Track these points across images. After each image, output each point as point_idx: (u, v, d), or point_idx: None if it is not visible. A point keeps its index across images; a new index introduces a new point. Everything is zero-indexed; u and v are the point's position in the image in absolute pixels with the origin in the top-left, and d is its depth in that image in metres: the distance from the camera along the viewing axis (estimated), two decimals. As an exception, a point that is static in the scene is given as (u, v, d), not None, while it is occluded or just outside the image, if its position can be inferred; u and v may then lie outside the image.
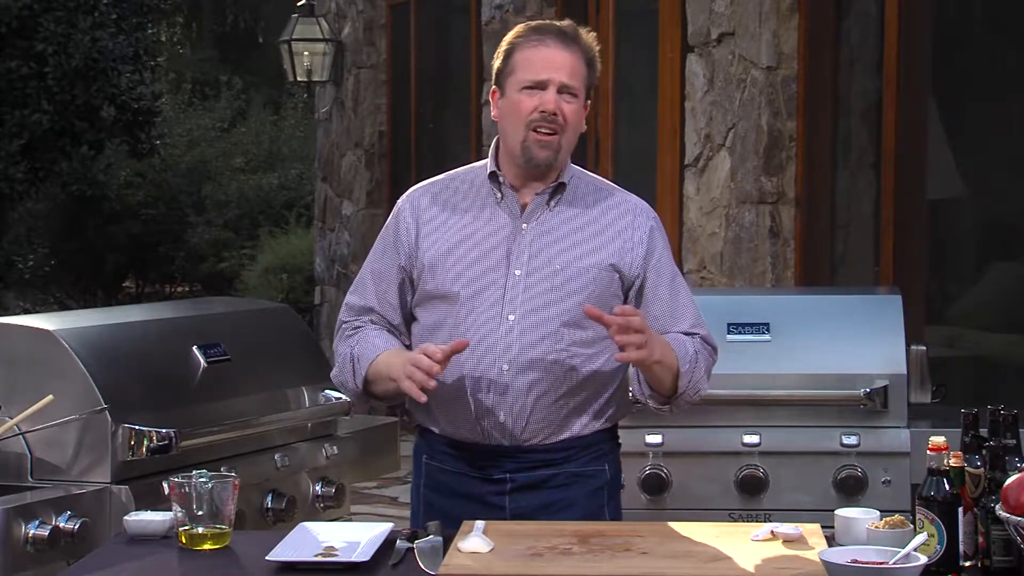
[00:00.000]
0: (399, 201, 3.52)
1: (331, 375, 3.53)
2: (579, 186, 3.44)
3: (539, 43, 3.34)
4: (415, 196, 3.49)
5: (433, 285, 3.38)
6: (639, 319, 3.17)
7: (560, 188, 3.40)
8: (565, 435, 3.38)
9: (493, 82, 3.43)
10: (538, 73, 3.32)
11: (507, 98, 3.37)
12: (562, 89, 3.32)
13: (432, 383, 3.21)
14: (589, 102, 3.43)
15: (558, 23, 3.41)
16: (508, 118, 3.37)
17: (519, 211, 3.39)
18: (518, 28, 3.41)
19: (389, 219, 3.52)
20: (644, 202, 3.49)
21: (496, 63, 3.41)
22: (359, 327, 3.47)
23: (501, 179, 3.40)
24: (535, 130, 3.32)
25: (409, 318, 3.47)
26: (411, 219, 3.44)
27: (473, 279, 3.35)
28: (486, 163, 3.44)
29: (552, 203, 3.39)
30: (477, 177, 3.44)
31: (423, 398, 3.22)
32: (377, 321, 3.48)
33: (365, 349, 3.41)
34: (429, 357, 3.20)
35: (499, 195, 3.40)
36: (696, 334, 3.40)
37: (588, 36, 3.42)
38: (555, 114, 3.31)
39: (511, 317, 3.32)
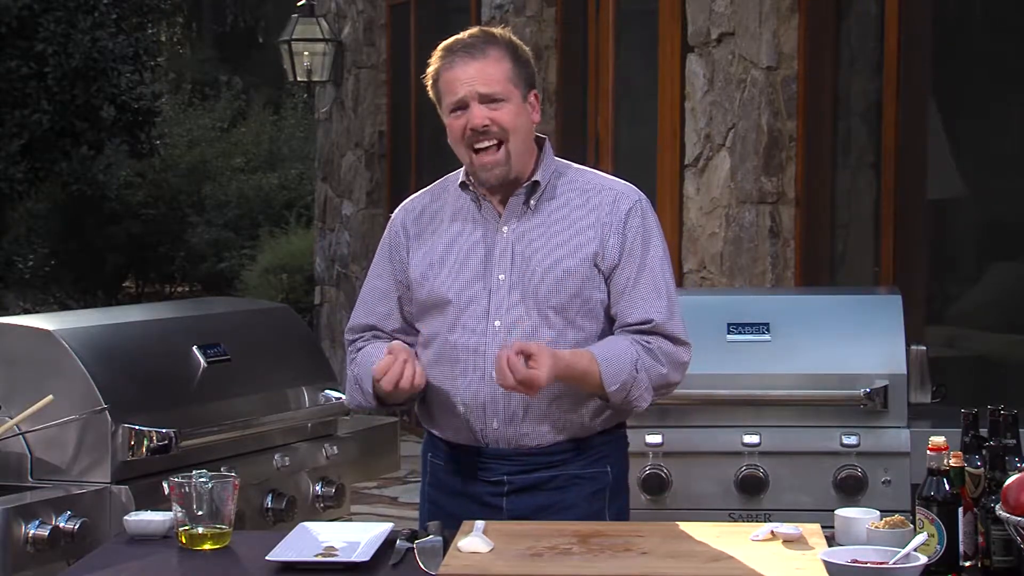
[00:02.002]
0: (392, 215, 3.56)
1: (345, 402, 3.56)
2: (558, 182, 3.41)
3: (450, 64, 3.34)
4: (406, 209, 3.53)
5: (423, 297, 3.41)
6: (521, 370, 3.13)
7: (535, 186, 3.38)
8: (562, 437, 3.37)
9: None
10: (455, 93, 3.33)
11: (446, 123, 3.40)
12: (483, 99, 3.31)
13: (407, 381, 3.24)
14: (535, 92, 3.40)
15: (467, 35, 3.39)
16: (452, 142, 3.40)
17: (497, 215, 3.39)
18: (435, 53, 3.40)
19: (384, 236, 3.56)
20: (630, 186, 3.44)
21: (429, 92, 3.43)
22: (360, 347, 3.50)
23: (472, 188, 3.41)
24: (475, 150, 3.32)
25: (412, 329, 3.49)
26: (402, 234, 3.48)
27: (459, 288, 3.36)
28: (462, 171, 3.45)
29: (531, 202, 3.38)
30: (457, 186, 3.45)
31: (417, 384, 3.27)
32: (379, 336, 3.50)
33: (364, 367, 3.43)
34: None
35: (478, 203, 3.41)
36: (651, 321, 3.32)
37: (503, 33, 3.40)
38: (486, 127, 3.30)
39: (497, 323, 3.33)
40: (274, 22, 19.64)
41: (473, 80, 3.31)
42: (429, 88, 3.42)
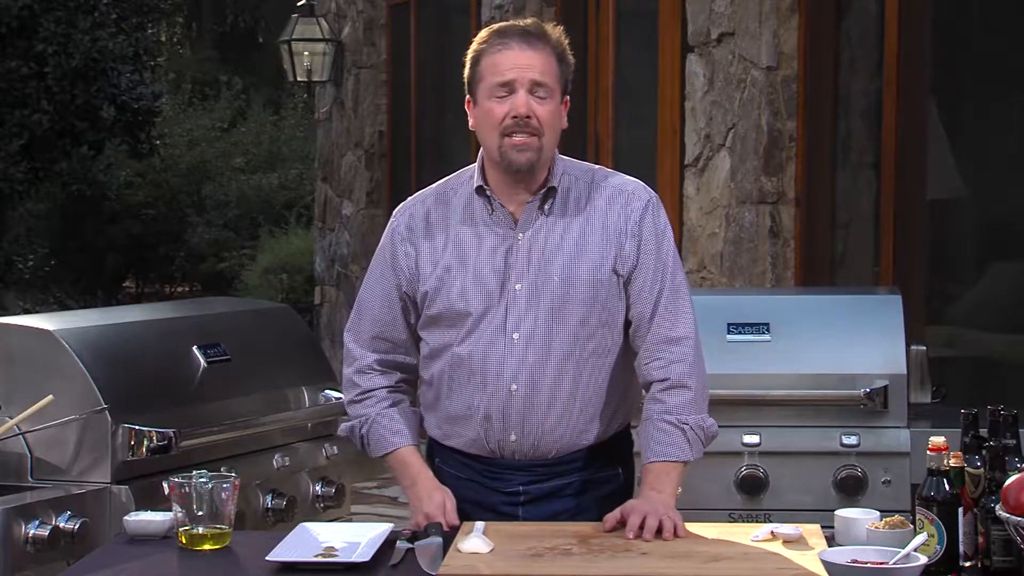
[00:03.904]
0: (393, 220, 3.45)
1: (339, 430, 3.54)
2: (571, 185, 3.35)
3: (503, 46, 3.27)
4: (409, 215, 3.41)
5: (435, 310, 3.33)
6: (638, 522, 3.12)
7: (551, 192, 3.33)
8: (580, 445, 3.34)
9: (466, 91, 3.36)
10: (504, 75, 3.24)
11: (480, 106, 3.30)
12: (533, 89, 3.24)
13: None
14: (568, 98, 3.35)
15: (522, 23, 3.34)
16: (483, 127, 3.30)
17: (512, 223, 3.32)
18: (482, 34, 3.34)
19: (384, 239, 3.44)
20: (639, 184, 3.40)
21: (465, 72, 3.34)
22: (370, 395, 3.43)
23: (488, 192, 3.33)
24: (507, 136, 3.25)
25: (415, 337, 3.43)
26: (408, 242, 3.37)
27: (475, 300, 3.29)
28: (474, 173, 3.37)
29: (546, 208, 3.32)
30: (467, 188, 3.37)
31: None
32: (384, 351, 3.42)
33: (376, 441, 3.41)
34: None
35: (490, 208, 3.34)
36: (683, 340, 3.29)
37: (555, 31, 3.34)
38: (528, 117, 3.23)
39: (515, 335, 3.27)
40: (274, 22, 19.62)
41: (529, 67, 3.24)
42: (466, 68, 3.33)
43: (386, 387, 3.44)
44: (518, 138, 3.25)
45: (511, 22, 3.37)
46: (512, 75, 3.24)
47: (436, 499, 3.31)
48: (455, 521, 3.25)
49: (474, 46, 3.33)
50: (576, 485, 3.36)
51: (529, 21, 3.37)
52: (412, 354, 3.44)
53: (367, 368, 3.44)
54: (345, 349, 3.50)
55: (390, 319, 3.41)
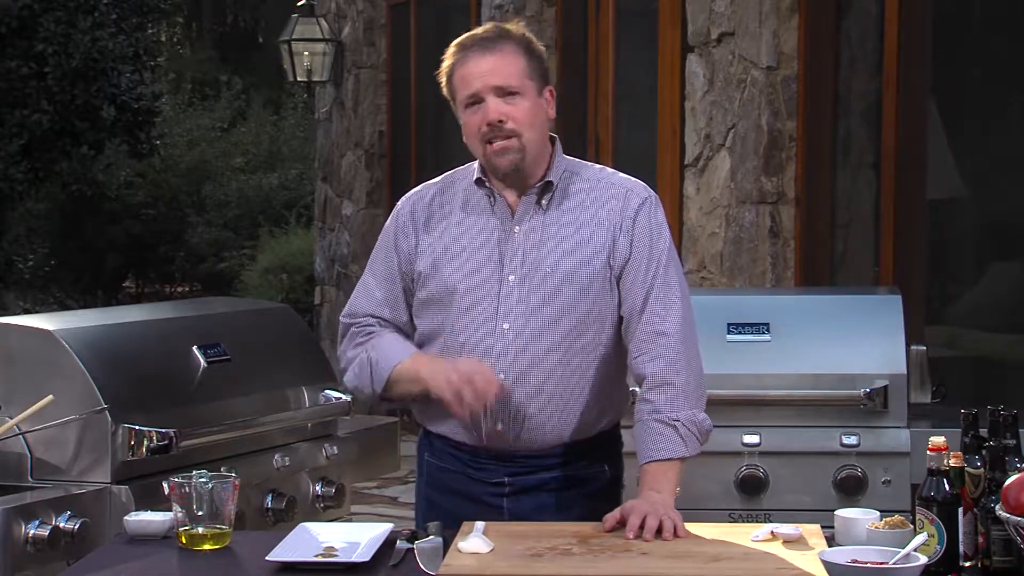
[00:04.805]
0: (398, 204, 3.51)
1: (344, 379, 3.53)
2: (569, 181, 3.39)
3: (464, 59, 3.33)
4: (414, 201, 3.48)
5: (427, 293, 3.38)
6: (638, 522, 3.10)
7: (548, 187, 3.37)
8: (565, 440, 3.36)
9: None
10: (469, 87, 3.31)
11: (462, 119, 3.38)
12: (499, 92, 3.29)
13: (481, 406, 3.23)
14: (549, 88, 3.38)
15: (480, 30, 3.38)
16: (468, 138, 3.38)
17: (510, 214, 3.36)
18: (449, 49, 3.39)
19: (388, 222, 3.51)
20: (639, 183, 3.42)
21: (444, 90, 3.42)
22: (371, 331, 3.46)
23: (489, 184, 3.38)
24: (489, 142, 3.31)
25: (412, 320, 3.47)
26: (410, 226, 3.43)
27: (467, 287, 3.33)
28: (477, 166, 3.42)
29: (543, 202, 3.36)
30: (470, 179, 3.42)
31: (466, 416, 3.26)
32: (386, 324, 3.46)
33: (384, 353, 3.40)
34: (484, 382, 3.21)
35: (492, 199, 3.38)
36: (671, 335, 3.28)
37: (517, 28, 3.38)
38: (501, 122, 3.28)
39: (505, 325, 3.31)
40: (274, 22, 19.62)
41: (487, 74, 3.29)
42: (443, 86, 3.40)
43: (388, 327, 3.46)
44: (497, 143, 3.30)
45: (471, 32, 3.41)
46: (476, 85, 3.31)
47: (469, 362, 3.26)
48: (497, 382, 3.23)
49: (444, 63, 3.40)
50: (561, 480, 3.38)
51: (489, 26, 3.41)
52: (409, 335, 3.47)
53: (367, 323, 3.47)
54: (341, 327, 3.52)
55: (392, 299, 3.45)
